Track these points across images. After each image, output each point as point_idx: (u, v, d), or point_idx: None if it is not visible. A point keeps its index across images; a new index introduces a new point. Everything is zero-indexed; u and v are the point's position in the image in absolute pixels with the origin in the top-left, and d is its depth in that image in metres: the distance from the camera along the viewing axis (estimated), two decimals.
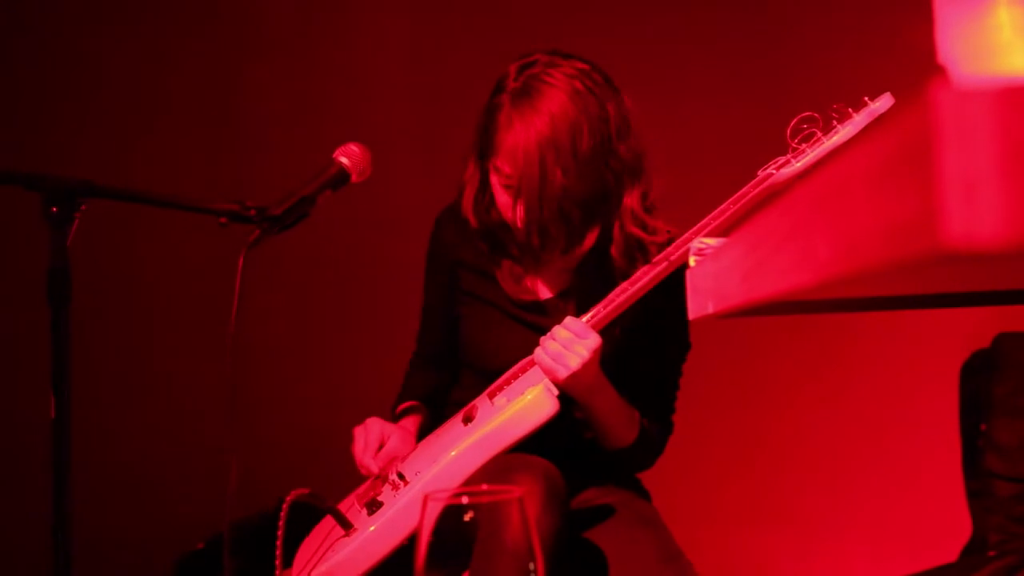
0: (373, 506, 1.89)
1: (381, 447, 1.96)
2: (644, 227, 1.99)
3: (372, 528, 1.84)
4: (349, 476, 2.01)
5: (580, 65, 1.93)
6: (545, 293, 2.07)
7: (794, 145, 1.81)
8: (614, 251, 1.99)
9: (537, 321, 2.04)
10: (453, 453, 1.86)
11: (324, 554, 1.87)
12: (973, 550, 2.27)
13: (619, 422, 2.00)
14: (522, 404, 1.84)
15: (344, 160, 1.77)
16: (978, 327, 2.38)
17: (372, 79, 3.41)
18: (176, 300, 3.34)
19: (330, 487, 2.17)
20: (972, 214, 0.41)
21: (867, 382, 3.26)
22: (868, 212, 0.50)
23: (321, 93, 3.39)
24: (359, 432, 1.97)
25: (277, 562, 1.81)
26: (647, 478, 2.16)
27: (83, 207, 1.55)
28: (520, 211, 1.91)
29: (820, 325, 3.13)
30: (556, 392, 1.86)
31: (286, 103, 3.40)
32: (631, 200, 1.97)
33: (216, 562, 2.81)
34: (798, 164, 1.80)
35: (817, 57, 3.28)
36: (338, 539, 1.88)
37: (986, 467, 2.34)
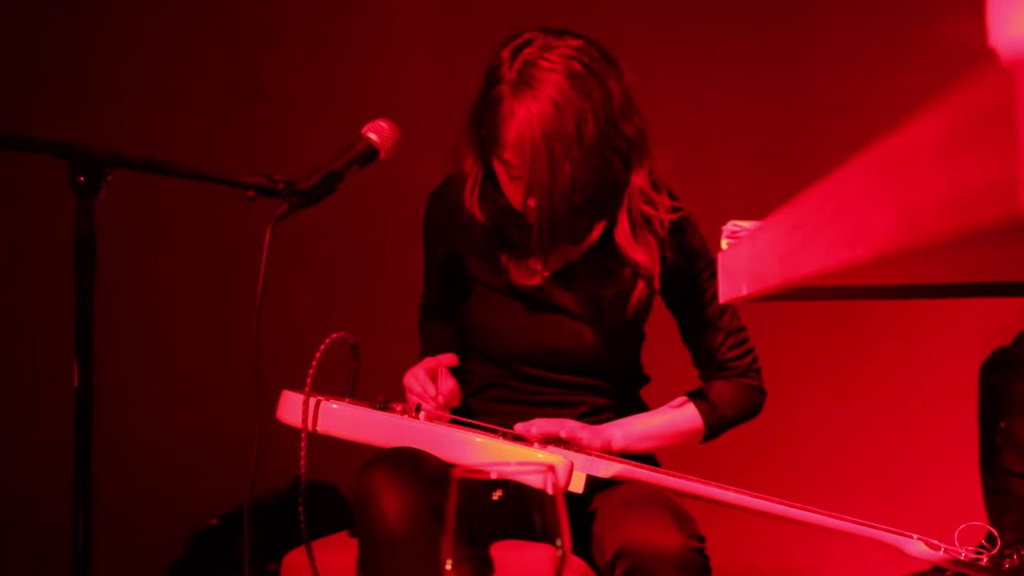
0: (415, 411, 1.92)
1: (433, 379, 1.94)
2: (652, 204, 1.96)
3: (388, 418, 1.88)
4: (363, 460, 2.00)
5: (574, 42, 1.88)
6: (547, 273, 2.04)
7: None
8: (621, 232, 1.95)
9: (544, 301, 2.03)
10: (479, 440, 1.86)
11: (347, 400, 1.91)
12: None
13: (679, 439, 2.06)
14: (530, 456, 1.79)
15: (373, 136, 1.76)
16: (1000, 324, 2.37)
17: (399, 60, 3.40)
18: (200, 275, 3.34)
19: (344, 471, 2.17)
20: None
21: (886, 377, 3.24)
22: (935, 181, 0.50)
23: (349, 72, 3.39)
24: (411, 379, 1.94)
25: (308, 383, 1.87)
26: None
27: (110, 177, 1.55)
28: (531, 205, 1.89)
29: (838, 318, 3.12)
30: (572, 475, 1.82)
31: (314, 81, 3.40)
32: (639, 179, 1.94)
33: (229, 538, 2.82)
34: None
35: (842, 45, 3.27)
36: (364, 404, 1.91)
37: (1004, 465, 2.33)
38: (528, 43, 1.88)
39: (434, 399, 1.89)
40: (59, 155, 1.54)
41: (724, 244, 1.18)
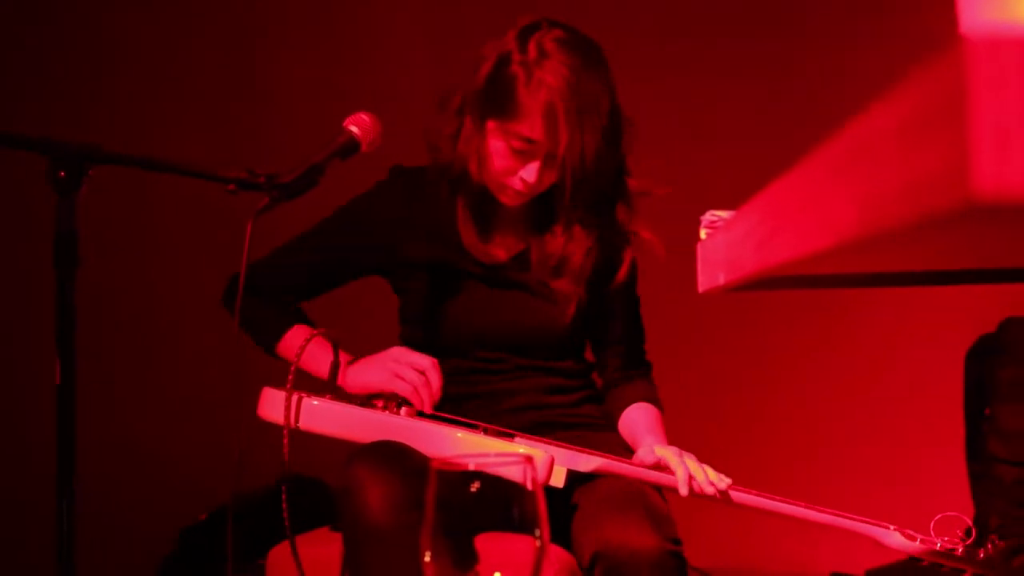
0: (396, 407, 1.93)
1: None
2: (642, 186, 2.05)
3: (369, 414, 1.89)
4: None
5: (573, 31, 1.96)
6: (503, 255, 2.06)
7: None
8: (621, 210, 2.03)
9: (506, 278, 2.05)
10: (459, 435, 1.86)
11: (328, 396, 1.92)
12: None
13: None
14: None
15: (354, 129, 1.76)
16: (984, 312, 2.37)
17: (390, 56, 3.40)
18: (183, 270, 3.33)
19: (333, 465, 2.17)
20: (1005, 163, 0.40)
21: (872, 366, 3.25)
22: (893, 168, 0.50)
23: (341, 68, 3.38)
24: (433, 370, 1.93)
25: (289, 380, 1.89)
26: None
27: (90, 172, 1.54)
28: (548, 178, 1.93)
29: (823, 307, 3.12)
30: (555, 473, 1.80)
31: (306, 77, 3.39)
32: (630, 162, 2.04)
33: (217, 533, 2.82)
34: None
35: (825, 36, 3.27)
36: (345, 400, 1.93)
37: (990, 452, 2.34)
38: (535, 27, 1.95)
39: (431, 397, 1.91)
40: (40, 151, 1.54)
41: (703, 234, 1.18)
